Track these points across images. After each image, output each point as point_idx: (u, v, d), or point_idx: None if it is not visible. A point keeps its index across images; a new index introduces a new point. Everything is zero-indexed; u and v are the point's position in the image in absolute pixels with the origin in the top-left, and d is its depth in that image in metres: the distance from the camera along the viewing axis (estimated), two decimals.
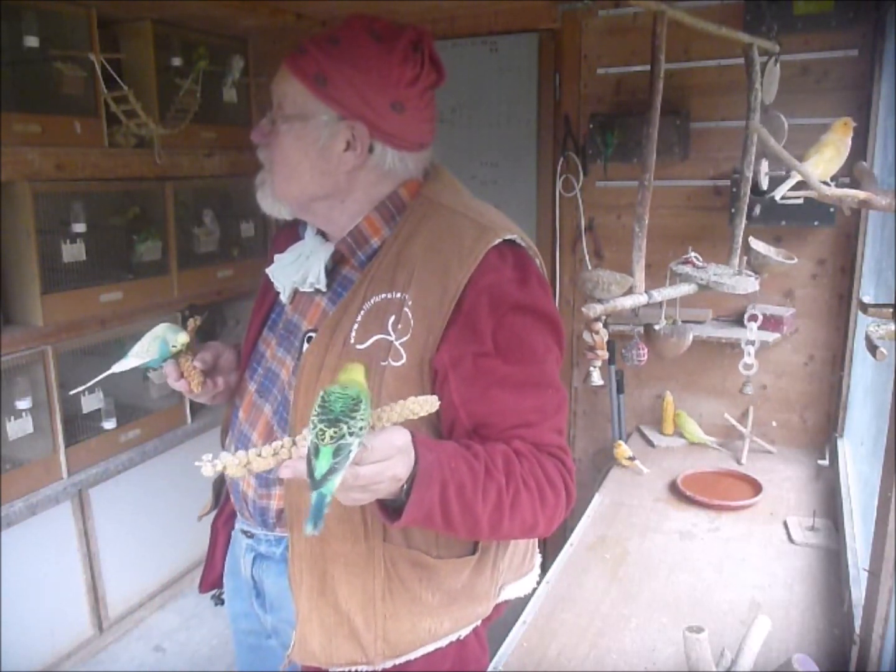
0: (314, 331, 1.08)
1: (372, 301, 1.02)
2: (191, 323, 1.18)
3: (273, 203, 1.12)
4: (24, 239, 2.12)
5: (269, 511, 1.13)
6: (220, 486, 1.33)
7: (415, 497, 0.87)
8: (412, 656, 1.09)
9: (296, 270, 1.13)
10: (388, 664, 1.08)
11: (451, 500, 0.90)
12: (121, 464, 2.42)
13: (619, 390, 2.52)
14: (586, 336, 1.58)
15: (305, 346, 1.07)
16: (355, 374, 0.83)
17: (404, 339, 0.99)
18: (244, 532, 1.21)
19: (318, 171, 1.07)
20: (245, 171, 2.57)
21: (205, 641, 2.47)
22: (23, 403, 2.14)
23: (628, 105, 2.45)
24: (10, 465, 2.15)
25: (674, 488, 2.07)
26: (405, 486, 0.87)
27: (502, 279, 1.00)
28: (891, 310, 1.04)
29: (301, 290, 1.13)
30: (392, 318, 1.00)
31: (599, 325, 1.56)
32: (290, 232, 1.22)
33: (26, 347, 2.14)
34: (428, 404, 0.84)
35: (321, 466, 0.76)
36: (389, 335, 0.99)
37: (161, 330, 1.16)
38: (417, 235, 1.05)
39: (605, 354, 1.61)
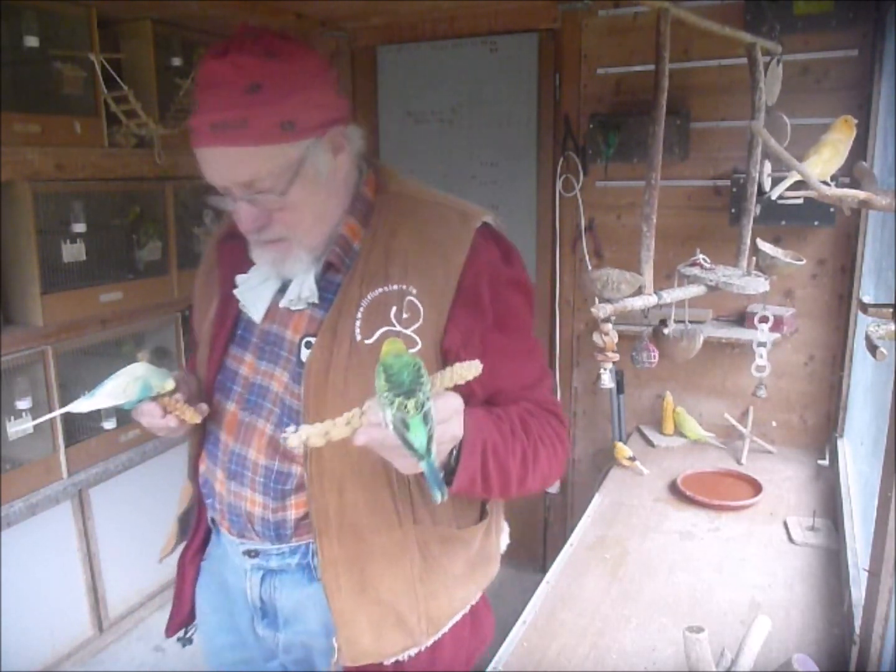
0: (312, 336, 1.07)
1: (369, 297, 1.04)
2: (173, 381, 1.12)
3: (307, 260, 1.07)
4: (24, 239, 2.12)
5: (285, 523, 1.11)
6: (187, 518, 1.30)
7: (464, 461, 0.93)
8: (447, 627, 1.15)
9: (269, 289, 1.11)
10: (431, 640, 1.13)
11: (489, 460, 0.97)
12: (121, 464, 2.43)
13: (619, 390, 2.51)
14: (596, 338, 1.57)
15: (304, 352, 1.07)
16: (399, 346, 0.87)
17: (416, 325, 1.02)
18: (248, 553, 1.17)
19: (333, 196, 1.06)
20: None
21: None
22: (23, 403, 2.14)
23: (628, 105, 2.45)
24: (10, 465, 2.15)
25: (674, 488, 2.07)
26: (454, 452, 0.93)
27: (492, 258, 1.06)
28: (891, 310, 1.04)
29: (293, 308, 1.10)
30: (394, 310, 1.03)
31: (609, 327, 1.54)
32: (236, 247, 1.15)
33: (26, 347, 2.15)
34: (474, 368, 0.90)
35: (419, 438, 0.80)
36: (395, 326, 1.02)
37: (142, 371, 1.08)
38: (402, 229, 1.07)
39: (615, 356, 1.59)
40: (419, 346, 1.02)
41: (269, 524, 1.12)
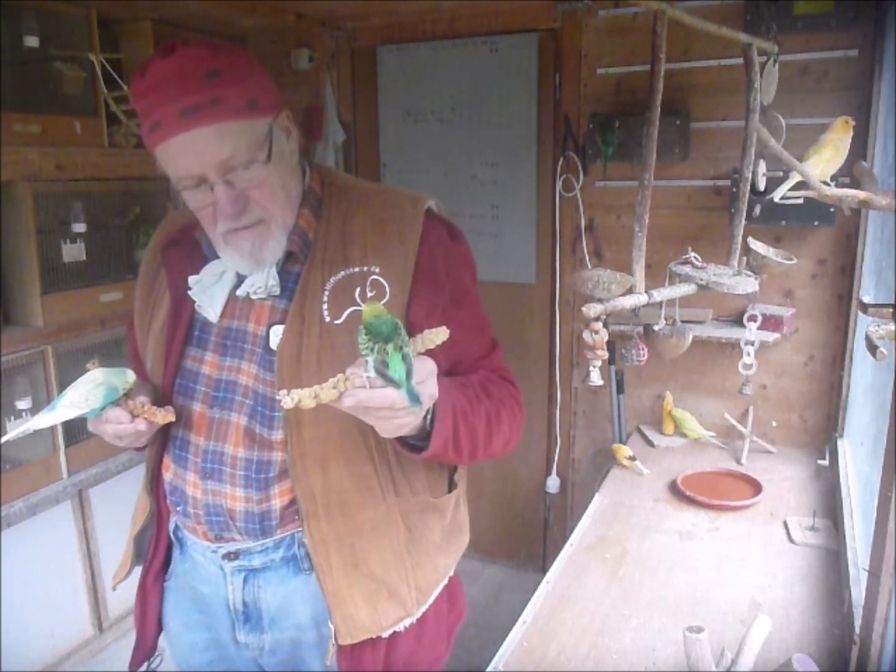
0: (279, 323, 1.10)
1: (332, 281, 1.09)
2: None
3: (284, 242, 1.10)
4: (24, 239, 2.12)
5: (270, 513, 1.12)
6: (142, 538, 1.27)
7: (437, 425, 0.99)
8: (432, 598, 1.20)
9: (224, 287, 1.13)
10: (421, 610, 1.18)
11: (459, 423, 1.03)
12: (121, 464, 2.42)
13: (619, 390, 2.51)
14: (586, 336, 1.57)
15: (272, 339, 1.10)
16: (377, 308, 0.93)
17: (383, 301, 1.07)
18: (228, 556, 1.16)
19: (293, 178, 1.11)
20: None
21: None
22: (23, 403, 2.14)
23: (628, 105, 2.45)
24: (10, 465, 2.15)
25: (674, 488, 2.07)
26: (429, 416, 0.98)
27: (442, 236, 1.13)
28: (891, 310, 1.04)
29: (255, 297, 1.12)
30: (358, 290, 1.08)
31: (599, 325, 1.55)
32: (181, 251, 1.18)
33: (26, 347, 2.15)
34: (442, 333, 0.96)
35: (399, 371, 0.88)
36: (360, 305, 1.07)
37: (101, 375, 1.07)
38: (355, 215, 1.13)
39: (604, 354, 1.60)
40: None
41: (253, 517, 1.12)
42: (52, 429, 2.21)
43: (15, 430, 1.08)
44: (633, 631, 1.46)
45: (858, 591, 1.41)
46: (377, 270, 1.08)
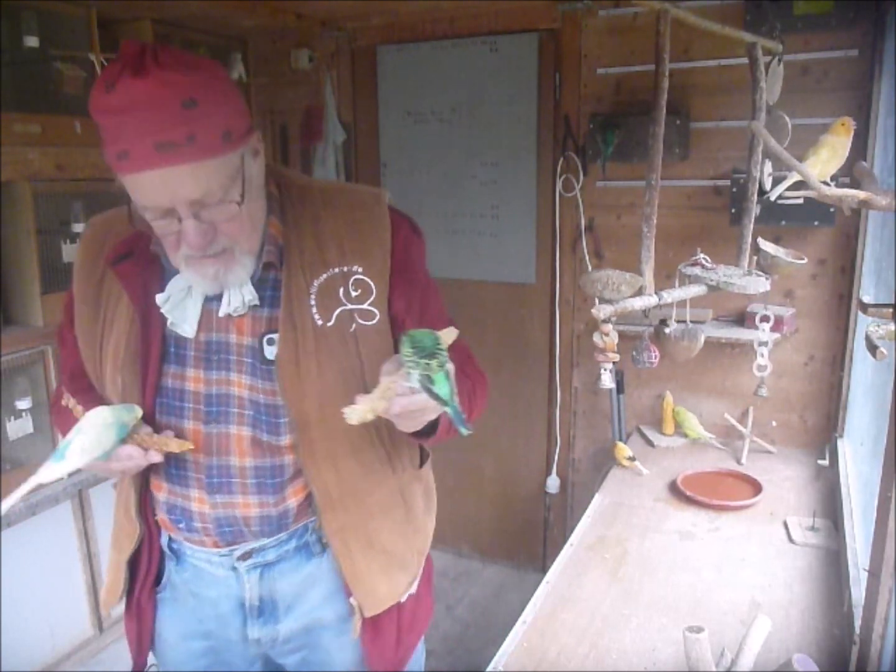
0: (272, 332, 1.09)
1: (315, 284, 1.09)
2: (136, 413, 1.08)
3: (251, 265, 1.08)
4: (24, 239, 2.12)
5: (287, 513, 1.16)
6: (135, 561, 1.24)
7: (442, 414, 1.03)
8: (424, 559, 1.31)
9: (196, 302, 1.10)
10: (421, 570, 1.29)
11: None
12: None
13: (619, 390, 2.51)
14: (596, 338, 1.57)
15: (267, 348, 1.10)
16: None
17: (371, 299, 1.11)
18: (243, 556, 1.18)
19: (259, 198, 1.08)
20: None
21: None
22: (23, 403, 2.14)
23: (628, 105, 2.45)
24: (10, 466, 2.15)
25: (674, 488, 2.07)
26: None
27: (408, 230, 1.17)
28: (891, 310, 1.04)
29: (236, 314, 1.10)
30: (342, 290, 1.10)
31: (609, 327, 1.55)
32: (133, 266, 1.12)
33: (26, 347, 2.14)
34: (452, 334, 1.06)
35: (445, 390, 0.95)
36: (346, 304, 1.10)
37: (110, 415, 1.03)
38: (323, 216, 1.13)
39: (616, 357, 1.59)
40: (378, 318, 1.12)
41: (270, 520, 1.15)
42: (52, 429, 2.20)
43: (21, 489, 1.02)
44: (633, 631, 1.46)
45: (858, 591, 1.41)
46: (360, 270, 1.11)
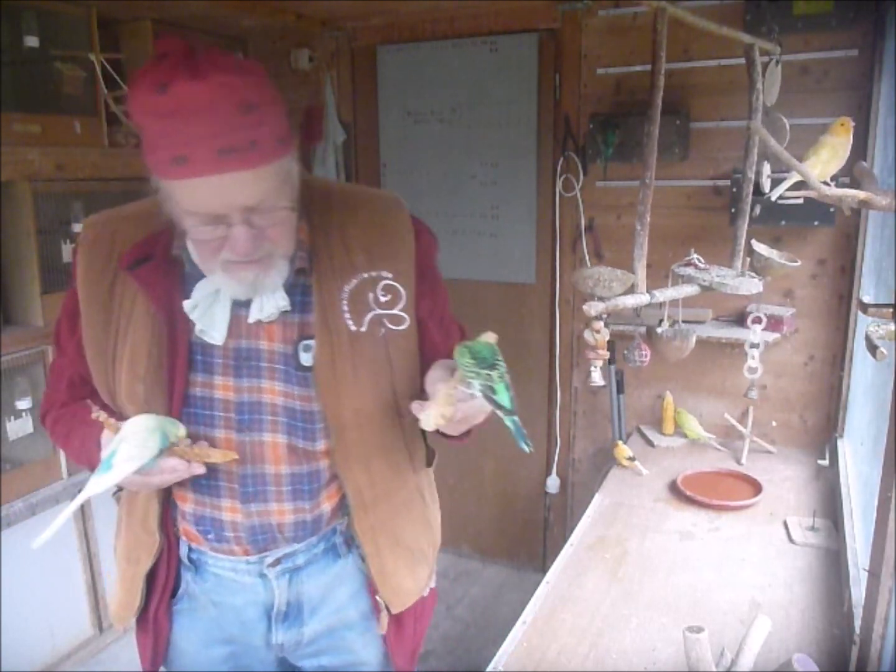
0: (307, 338, 1.08)
1: (346, 290, 1.09)
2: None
3: (287, 269, 1.07)
4: (24, 239, 2.12)
5: (322, 517, 1.16)
6: (153, 574, 1.20)
7: None
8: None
9: (225, 308, 1.07)
10: (434, 563, 1.33)
11: None
12: None
13: (619, 390, 2.51)
14: (587, 335, 1.57)
15: (302, 355, 1.09)
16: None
17: (401, 305, 1.11)
18: (274, 563, 1.16)
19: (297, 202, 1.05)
20: None
21: None
22: (23, 403, 2.14)
23: (628, 105, 2.45)
24: (10, 465, 2.15)
25: (674, 488, 2.07)
26: None
27: (427, 235, 1.17)
28: (891, 310, 1.04)
29: (267, 320, 1.08)
30: (371, 295, 1.10)
31: (601, 325, 1.55)
32: (152, 270, 1.07)
33: (26, 347, 2.15)
34: (491, 337, 1.06)
35: (506, 399, 0.98)
36: (376, 310, 1.10)
37: (155, 421, 1.02)
38: (349, 222, 1.12)
39: (606, 354, 1.60)
40: (407, 322, 1.12)
41: (306, 525, 1.16)
42: None
43: (69, 508, 1.00)
44: (633, 631, 1.46)
45: (858, 591, 1.41)
46: (389, 276, 1.11)
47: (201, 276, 1.07)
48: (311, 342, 1.08)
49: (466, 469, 3.05)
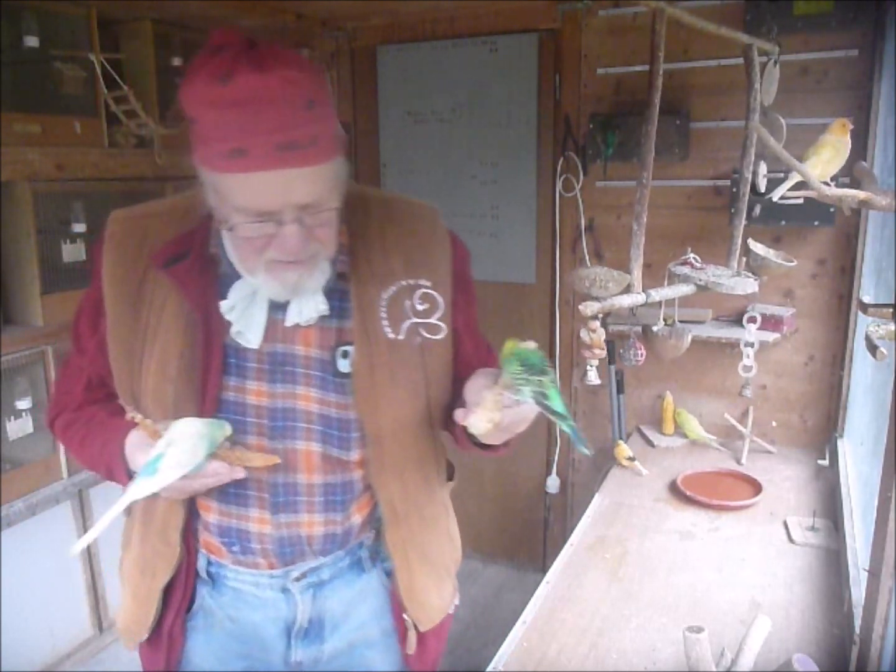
0: (345, 344, 1.06)
1: (384, 297, 1.08)
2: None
3: (329, 270, 1.05)
4: (24, 239, 2.12)
5: (352, 529, 1.14)
6: (170, 587, 1.15)
7: None
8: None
9: (261, 311, 1.04)
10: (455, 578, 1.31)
11: None
12: None
13: (619, 390, 2.51)
14: (583, 334, 1.57)
15: (340, 361, 1.06)
16: (511, 343, 1.03)
17: (438, 314, 1.10)
18: (299, 577, 1.13)
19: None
20: None
21: None
22: (23, 403, 2.13)
23: (628, 105, 2.45)
24: (10, 465, 2.15)
25: (674, 488, 2.07)
26: None
27: (460, 244, 1.18)
28: (891, 310, 1.04)
29: (305, 324, 1.05)
30: (408, 303, 1.09)
31: (596, 324, 1.55)
32: (195, 268, 1.04)
33: (26, 347, 2.14)
34: (532, 345, 1.06)
35: (560, 405, 0.97)
36: (413, 318, 1.09)
37: (203, 427, 0.98)
38: (388, 229, 1.11)
39: (602, 353, 1.60)
40: (444, 331, 1.11)
41: (335, 538, 1.12)
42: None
43: (110, 513, 0.99)
44: (633, 631, 1.46)
45: (858, 591, 1.41)
46: (428, 284, 1.10)
47: (237, 276, 1.04)
48: (350, 348, 1.06)
49: (467, 469, 3.03)
